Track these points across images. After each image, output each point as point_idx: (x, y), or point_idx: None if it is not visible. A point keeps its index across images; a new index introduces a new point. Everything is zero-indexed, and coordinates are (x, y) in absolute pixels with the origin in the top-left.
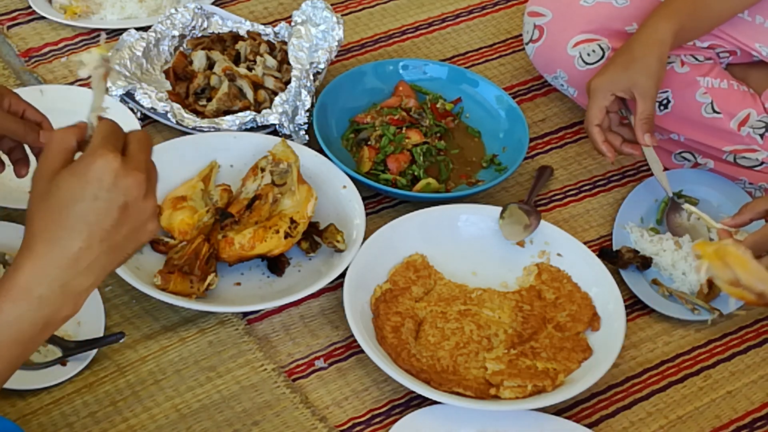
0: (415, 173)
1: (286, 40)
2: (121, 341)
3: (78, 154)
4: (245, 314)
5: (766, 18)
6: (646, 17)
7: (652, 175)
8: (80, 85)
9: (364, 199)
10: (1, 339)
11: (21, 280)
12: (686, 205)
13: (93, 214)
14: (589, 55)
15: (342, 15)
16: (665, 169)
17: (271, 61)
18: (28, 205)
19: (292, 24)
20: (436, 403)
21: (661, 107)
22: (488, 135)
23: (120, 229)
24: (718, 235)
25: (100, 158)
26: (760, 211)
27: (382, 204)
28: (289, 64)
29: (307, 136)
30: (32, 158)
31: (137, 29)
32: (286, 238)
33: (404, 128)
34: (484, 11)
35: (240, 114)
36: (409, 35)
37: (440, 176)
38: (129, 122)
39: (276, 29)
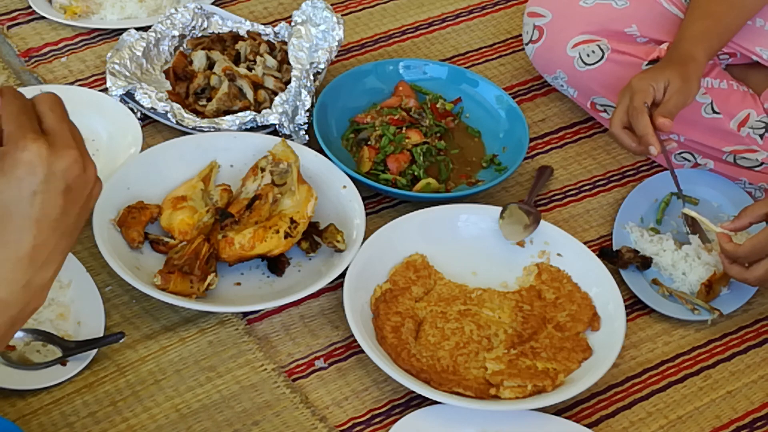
0: (415, 173)
1: (286, 40)
2: (120, 341)
3: None
4: (245, 314)
5: (766, 21)
6: (645, 18)
7: (652, 175)
8: (80, 85)
9: (364, 199)
10: None
11: None
12: (686, 209)
13: (37, 208)
14: (588, 55)
15: (342, 15)
16: (665, 169)
17: (271, 61)
18: None
19: (292, 24)
20: (436, 403)
21: None
22: (488, 135)
23: (69, 212)
24: (718, 239)
25: (25, 151)
26: (759, 215)
27: (382, 204)
28: (289, 64)
29: (307, 136)
30: None
31: (137, 29)
32: (286, 238)
33: (404, 128)
34: (484, 11)
35: (240, 114)
36: (409, 35)
37: (440, 176)
38: (129, 122)
39: (276, 29)
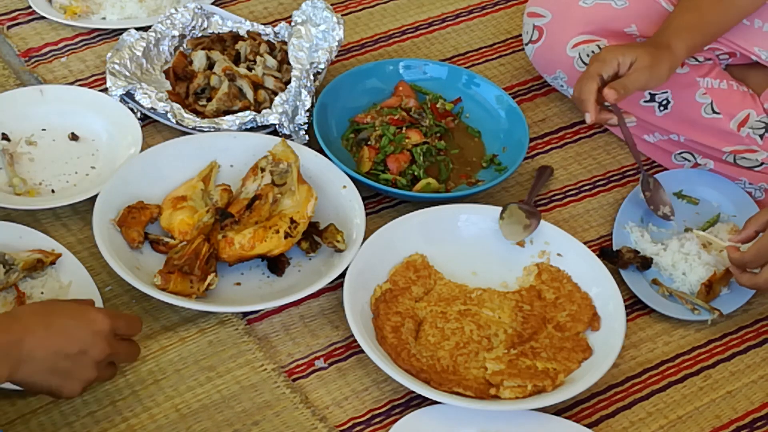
0: (415, 173)
1: (286, 40)
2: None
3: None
4: (245, 314)
5: (764, 22)
6: (645, 18)
7: (651, 175)
8: (80, 85)
9: (364, 199)
10: None
11: None
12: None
13: (67, 332)
14: (588, 55)
15: (342, 15)
16: (664, 169)
17: (271, 61)
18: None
19: (292, 24)
20: (436, 403)
21: (661, 107)
22: (488, 135)
23: (65, 361)
24: (728, 254)
25: (104, 315)
26: (762, 223)
27: (382, 204)
28: (289, 64)
29: (307, 136)
30: None
31: (137, 29)
32: (286, 238)
33: (404, 128)
34: (484, 11)
35: (240, 114)
36: (409, 35)
37: (440, 176)
38: (129, 122)
39: (276, 29)
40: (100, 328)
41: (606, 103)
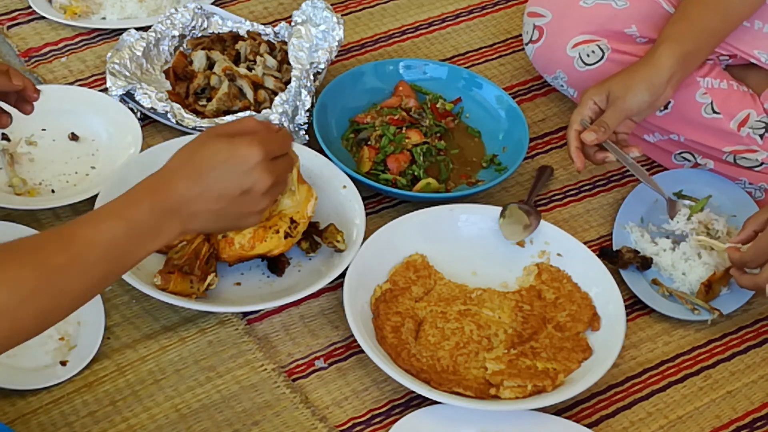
0: (415, 173)
1: (286, 40)
2: None
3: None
4: (245, 314)
5: (764, 23)
6: (645, 18)
7: (652, 175)
8: (80, 85)
9: (364, 199)
10: (95, 256)
11: (130, 205)
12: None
13: (223, 180)
14: (588, 56)
15: (342, 15)
16: (665, 169)
17: (271, 61)
18: (184, 145)
19: (292, 24)
20: (436, 403)
21: (661, 107)
22: (488, 135)
23: (232, 205)
24: (728, 255)
25: (256, 147)
26: (761, 222)
27: (382, 204)
28: (289, 64)
29: (307, 136)
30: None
31: (137, 29)
32: (286, 238)
33: (404, 128)
34: (484, 11)
35: (240, 114)
36: (409, 35)
37: (440, 176)
38: (129, 122)
39: (276, 29)
40: (254, 163)
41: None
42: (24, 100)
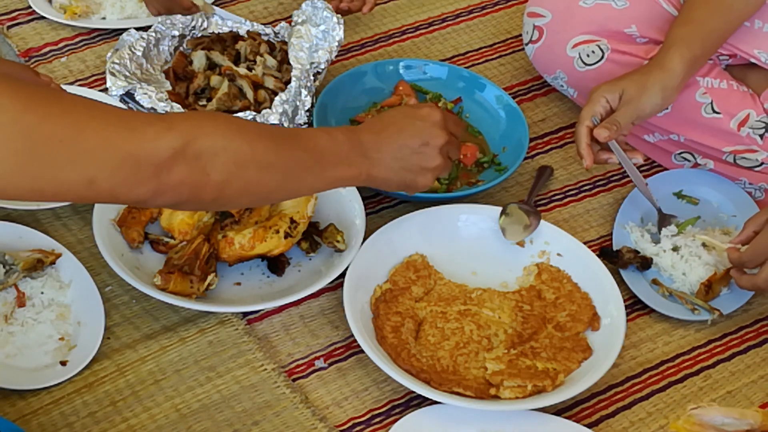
0: None
1: (286, 40)
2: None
3: None
4: (245, 314)
5: (764, 22)
6: (645, 18)
7: (652, 175)
8: (80, 85)
9: (364, 199)
10: (310, 150)
11: (331, 131)
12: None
13: (406, 131)
14: (588, 56)
15: (342, 15)
16: (664, 169)
17: (271, 61)
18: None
19: (292, 24)
20: (436, 403)
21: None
22: (488, 135)
23: (413, 155)
24: (728, 255)
25: (436, 110)
26: (761, 223)
27: (382, 204)
28: (289, 64)
29: None
30: None
31: (137, 29)
32: (286, 238)
33: None
34: (484, 11)
35: (240, 114)
36: (409, 35)
37: (449, 176)
38: None
39: (276, 29)
40: (434, 120)
41: (610, 142)
42: None
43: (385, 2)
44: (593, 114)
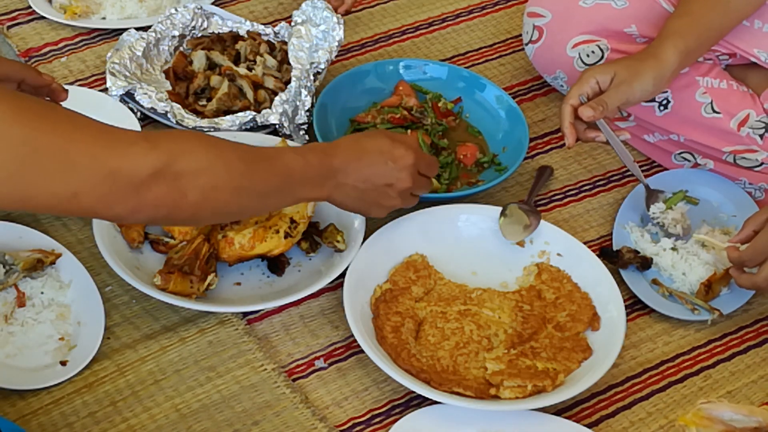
0: None
1: (286, 40)
2: None
3: None
4: (245, 314)
5: (764, 22)
6: (645, 18)
7: (651, 175)
8: (80, 85)
9: None
10: (277, 171)
11: (307, 152)
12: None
13: (375, 167)
14: (588, 56)
15: (342, 15)
16: (664, 169)
17: (271, 61)
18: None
19: (292, 24)
20: (436, 403)
21: (661, 107)
22: (488, 135)
23: (373, 191)
24: (727, 254)
25: (411, 153)
26: (760, 222)
27: None
28: (289, 64)
29: (307, 136)
30: None
31: (137, 29)
32: (286, 238)
33: (409, 130)
34: (484, 11)
35: (240, 114)
36: (409, 35)
37: (450, 176)
38: (129, 122)
39: (276, 29)
40: (405, 164)
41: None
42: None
43: (385, 2)
44: (580, 93)
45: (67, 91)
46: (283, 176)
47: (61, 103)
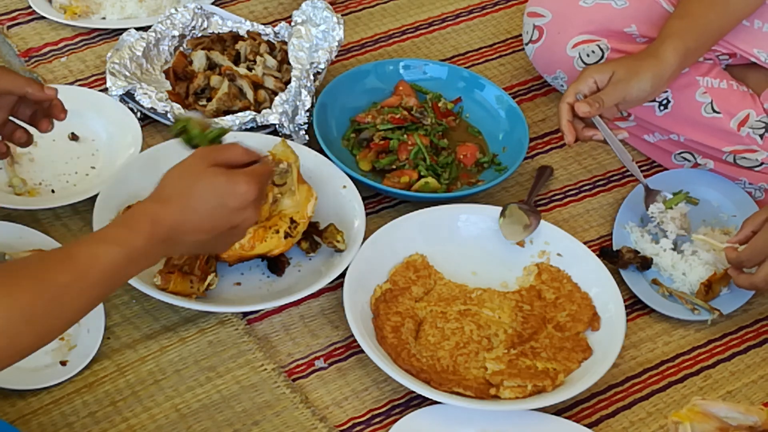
0: (421, 173)
1: (286, 40)
2: None
3: None
4: (245, 314)
5: (764, 22)
6: (645, 18)
7: (651, 175)
8: (80, 85)
9: (364, 199)
10: (94, 277)
11: (130, 232)
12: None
13: (217, 215)
14: (588, 55)
15: (342, 15)
16: (664, 169)
17: (271, 61)
18: (174, 167)
19: (292, 24)
20: (436, 403)
21: (661, 107)
22: (488, 135)
23: (219, 236)
24: (726, 254)
25: (253, 186)
26: (759, 222)
27: (382, 204)
28: (289, 64)
29: (307, 136)
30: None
31: (137, 29)
32: (286, 238)
33: (408, 132)
34: (484, 11)
35: (240, 114)
36: (409, 35)
37: (450, 176)
38: (129, 122)
39: (276, 29)
40: (249, 202)
41: (594, 119)
42: (45, 116)
43: (385, 2)
44: (578, 91)
45: (66, 111)
46: (102, 281)
47: (61, 100)
